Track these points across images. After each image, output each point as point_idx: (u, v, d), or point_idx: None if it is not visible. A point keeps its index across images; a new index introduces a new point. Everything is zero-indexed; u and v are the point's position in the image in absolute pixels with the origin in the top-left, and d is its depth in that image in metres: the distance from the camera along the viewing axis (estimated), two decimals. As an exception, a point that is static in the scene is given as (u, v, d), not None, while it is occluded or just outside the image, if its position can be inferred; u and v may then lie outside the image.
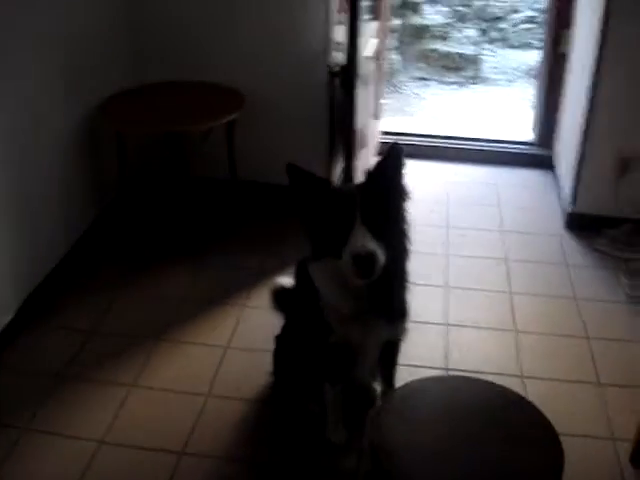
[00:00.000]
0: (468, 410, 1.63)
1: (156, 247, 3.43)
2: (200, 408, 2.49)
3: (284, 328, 2.49)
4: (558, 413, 1.97)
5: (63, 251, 3.14)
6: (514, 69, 6.81)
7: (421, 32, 7.18)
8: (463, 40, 7.27)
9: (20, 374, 2.64)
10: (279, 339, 2.49)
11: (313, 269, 2.00)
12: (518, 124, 4.75)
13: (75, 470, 2.25)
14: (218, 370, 2.67)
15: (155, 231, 3.56)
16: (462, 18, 7.59)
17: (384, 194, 1.87)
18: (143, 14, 3.50)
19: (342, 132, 3.56)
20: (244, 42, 3.46)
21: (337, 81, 3.46)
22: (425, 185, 4.02)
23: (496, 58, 7.05)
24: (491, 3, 7.76)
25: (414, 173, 3.89)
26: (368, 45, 3.53)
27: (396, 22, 7.01)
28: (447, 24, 7.40)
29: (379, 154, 3.86)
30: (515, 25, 7.58)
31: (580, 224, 3.58)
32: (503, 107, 5.74)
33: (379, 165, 1.91)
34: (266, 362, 2.57)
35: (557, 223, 3.69)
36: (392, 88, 6.19)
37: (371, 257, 1.77)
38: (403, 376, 2.36)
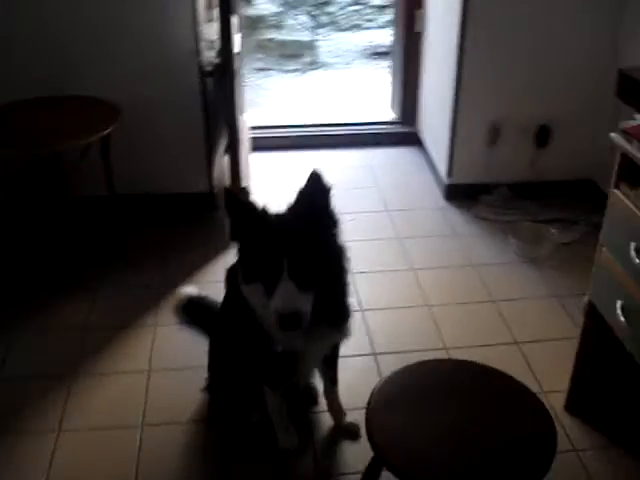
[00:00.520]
0: (452, 390, 1.65)
1: (42, 278, 3.17)
2: (138, 441, 2.34)
3: (213, 340, 2.39)
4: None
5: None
6: (349, 51, 6.97)
7: (256, 22, 7.15)
8: (297, 27, 7.33)
9: None
10: (212, 352, 2.39)
11: (245, 290, 1.91)
12: (375, 104, 4.87)
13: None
14: (147, 397, 2.52)
15: (38, 260, 3.28)
16: (293, 5, 7.64)
17: (312, 229, 1.79)
18: (6, 29, 3.20)
19: (218, 132, 3.49)
20: (113, 50, 3.27)
21: (210, 80, 3.36)
22: (300, 175, 4.01)
23: (330, 42, 7.17)
24: (317, -13, 7.88)
25: (286, 165, 3.91)
26: (236, 41, 3.45)
27: (231, 14, 6.92)
28: (279, 12, 7.43)
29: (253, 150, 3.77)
30: (342, 8, 7.75)
31: (458, 195, 3.74)
32: (354, 89, 5.85)
33: (302, 196, 1.82)
34: (194, 379, 2.48)
35: (436, 196, 3.83)
36: (237, 81, 6.11)
37: (295, 316, 1.71)
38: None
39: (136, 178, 3.49)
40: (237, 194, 1.81)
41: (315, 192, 1.79)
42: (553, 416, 2.35)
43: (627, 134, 1.89)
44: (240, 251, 1.87)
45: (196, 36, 3.24)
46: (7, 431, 2.37)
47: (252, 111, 5.12)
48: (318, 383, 2.44)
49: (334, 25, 7.53)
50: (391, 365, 2.62)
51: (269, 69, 6.58)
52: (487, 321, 2.91)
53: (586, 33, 3.41)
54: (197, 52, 3.27)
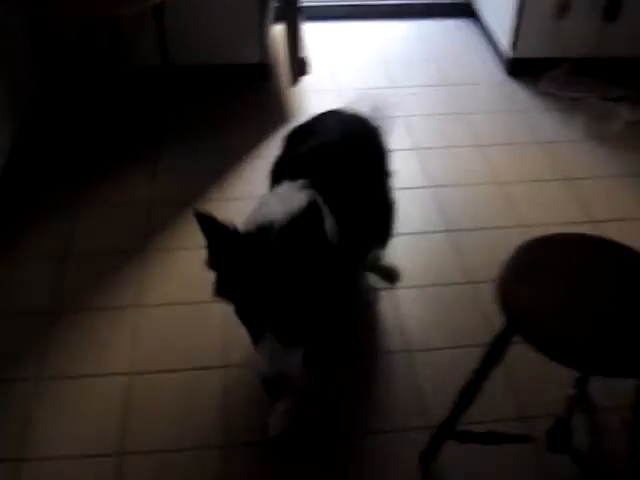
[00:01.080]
0: (586, 265, 1.58)
1: (101, 151, 3.04)
2: (221, 314, 2.29)
3: None
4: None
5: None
6: None
7: None
8: None
9: (4, 317, 2.31)
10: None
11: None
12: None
13: (112, 409, 2.04)
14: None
15: (97, 134, 3.13)
16: None
17: (306, 271, 1.47)
18: None
19: (270, 1, 3.28)
20: None
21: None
22: (356, 47, 3.83)
23: None
24: None
25: (339, 35, 3.69)
26: None
27: None
28: None
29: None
30: None
31: (521, 69, 3.56)
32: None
33: (296, 228, 1.47)
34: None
35: (496, 71, 3.65)
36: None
37: (281, 379, 1.48)
38: (409, 243, 2.50)
39: (190, 48, 3.32)
40: (213, 217, 1.46)
41: (311, 225, 1.46)
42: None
43: None
44: (218, 280, 1.55)
45: None
46: (88, 308, 2.33)
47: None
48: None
49: None
50: (469, 242, 2.58)
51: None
52: (562, 199, 2.82)
53: None
54: None
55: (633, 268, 1.56)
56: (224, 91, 3.43)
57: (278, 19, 3.65)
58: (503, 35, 3.63)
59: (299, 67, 3.36)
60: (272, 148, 2.98)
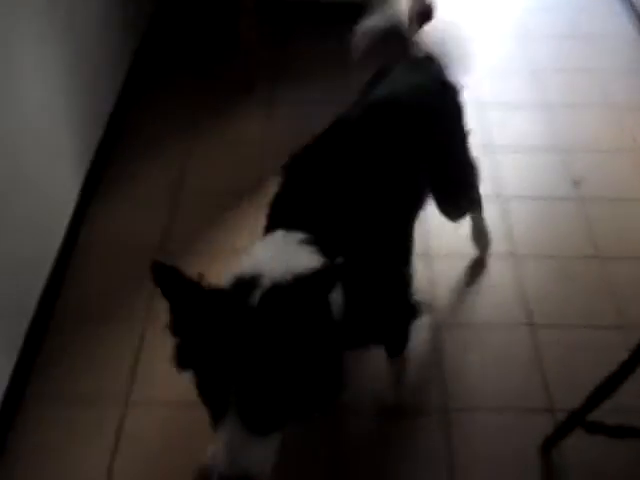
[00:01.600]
0: None
1: (215, 86, 2.95)
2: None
3: None
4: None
5: (110, 108, 2.66)
6: None
7: None
8: None
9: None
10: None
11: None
12: None
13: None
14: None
15: (209, 67, 3.04)
16: None
17: (286, 348, 1.14)
18: None
19: None
20: None
21: None
22: (495, 18, 3.51)
23: None
24: None
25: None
26: None
27: None
28: None
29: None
30: None
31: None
32: None
33: (287, 297, 1.15)
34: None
35: (629, 27, 3.35)
36: None
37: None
38: (533, 208, 2.37)
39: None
40: (176, 270, 1.17)
41: (317, 292, 1.16)
42: None
43: None
44: (181, 347, 1.23)
45: None
46: (195, 252, 2.26)
47: None
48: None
49: None
50: (600, 212, 2.39)
51: None
52: None
53: None
54: None
55: None
56: (337, 28, 3.25)
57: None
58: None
59: (424, 12, 3.15)
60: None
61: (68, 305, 2.11)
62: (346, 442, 1.80)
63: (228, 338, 1.13)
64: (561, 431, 1.75)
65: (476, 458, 1.77)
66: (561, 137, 2.72)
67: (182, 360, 1.21)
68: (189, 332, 1.19)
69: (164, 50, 3.11)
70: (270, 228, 1.44)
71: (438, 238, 2.26)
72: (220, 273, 1.26)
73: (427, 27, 1.94)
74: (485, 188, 2.16)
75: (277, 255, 1.28)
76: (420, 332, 1.87)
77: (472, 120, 1.98)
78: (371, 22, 1.84)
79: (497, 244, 2.27)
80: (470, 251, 2.24)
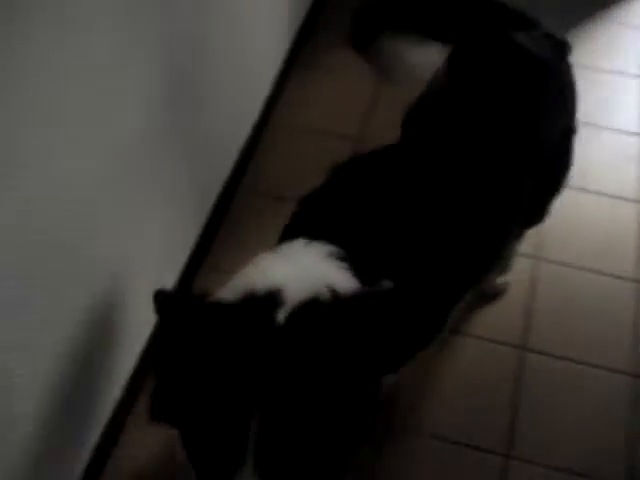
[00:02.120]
0: None
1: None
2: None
3: None
4: None
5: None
6: None
7: None
8: None
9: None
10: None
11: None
12: None
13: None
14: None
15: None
16: None
17: (322, 391, 0.88)
18: None
19: None
20: None
21: None
22: None
23: None
24: None
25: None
26: None
27: None
28: None
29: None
30: None
31: None
32: None
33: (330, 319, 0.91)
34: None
35: None
36: None
37: None
38: None
39: None
40: (182, 295, 1.00)
41: (368, 317, 0.91)
42: None
43: None
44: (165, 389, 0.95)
45: None
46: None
47: None
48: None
49: None
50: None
51: None
52: None
53: None
54: None
55: None
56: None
57: None
58: None
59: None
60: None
61: (252, 182, 2.01)
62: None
63: (246, 366, 0.86)
64: None
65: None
66: None
67: (166, 407, 0.93)
68: (187, 366, 0.90)
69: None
70: (288, 236, 1.11)
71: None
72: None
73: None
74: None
75: (299, 269, 1.00)
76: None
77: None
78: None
79: None
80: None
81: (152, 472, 1.50)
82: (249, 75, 1.95)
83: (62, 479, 1.34)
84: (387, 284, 0.93)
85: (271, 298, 0.91)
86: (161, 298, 0.93)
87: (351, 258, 1.02)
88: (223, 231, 1.89)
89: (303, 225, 1.12)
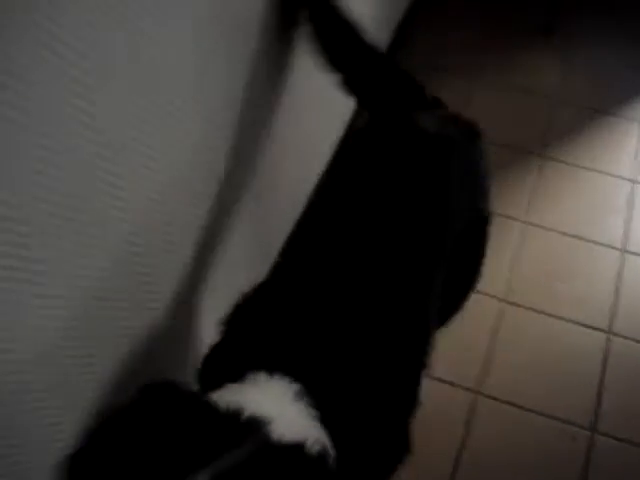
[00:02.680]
0: None
1: (503, 19, 2.56)
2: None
3: None
4: None
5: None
6: None
7: None
8: None
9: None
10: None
11: None
12: None
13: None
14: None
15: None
16: None
17: None
18: None
19: None
20: None
21: None
22: None
23: None
24: None
25: None
26: None
27: None
28: None
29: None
30: None
31: None
32: None
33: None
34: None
35: None
36: None
37: None
38: None
39: None
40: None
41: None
42: None
43: None
44: None
45: None
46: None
47: None
48: None
49: None
50: None
51: None
52: None
53: None
54: None
55: None
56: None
57: None
58: None
59: None
60: None
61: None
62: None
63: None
64: None
65: None
66: None
67: None
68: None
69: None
70: (237, 367, 0.96)
71: None
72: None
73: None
74: None
75: (280, 408, 0.87)
76: None
77: None
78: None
79: None
80: None
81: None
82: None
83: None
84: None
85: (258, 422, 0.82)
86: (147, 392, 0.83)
87: (307, 392, 0.91)
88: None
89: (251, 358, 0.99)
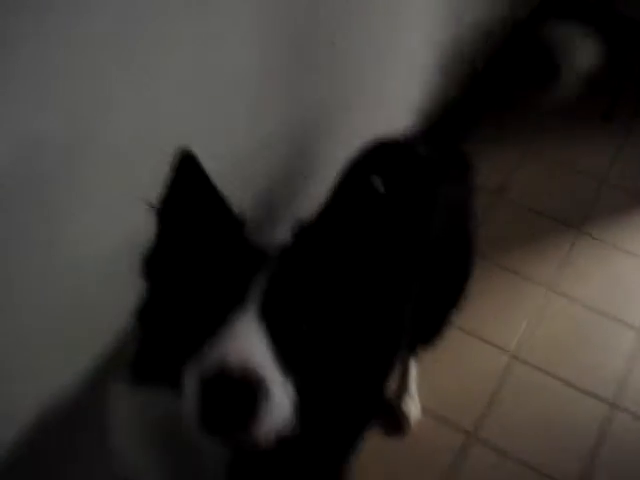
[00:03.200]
0: None
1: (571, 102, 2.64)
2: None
3: None
4: None
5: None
6: None
7: None
8: None
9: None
10: None
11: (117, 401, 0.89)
12: None
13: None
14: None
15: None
16: None
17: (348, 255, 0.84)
18: None
19: None
20: None
21: None
22: None
23: None
24: None
25: None
26: None
27: None
28: None
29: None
30: None
31: None
32: None
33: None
34: None
35: None
36: None
37: (250, 386, 0.71)
38: None
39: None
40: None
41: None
42: None
43: None
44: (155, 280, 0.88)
45: None
46: (501, 264, 2.08)
47: None
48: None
49: None
50: None
51: None
52: None
53: None
54: None
55: None
56: None
57: None
58: None
59: None
60: None
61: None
62: None
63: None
64: None
65: None
66: None
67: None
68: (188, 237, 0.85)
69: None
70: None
71: None
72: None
73: None
74: None
75: None
76: None
77: None
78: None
79: None
80: None
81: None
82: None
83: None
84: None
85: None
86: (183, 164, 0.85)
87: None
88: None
89: None
